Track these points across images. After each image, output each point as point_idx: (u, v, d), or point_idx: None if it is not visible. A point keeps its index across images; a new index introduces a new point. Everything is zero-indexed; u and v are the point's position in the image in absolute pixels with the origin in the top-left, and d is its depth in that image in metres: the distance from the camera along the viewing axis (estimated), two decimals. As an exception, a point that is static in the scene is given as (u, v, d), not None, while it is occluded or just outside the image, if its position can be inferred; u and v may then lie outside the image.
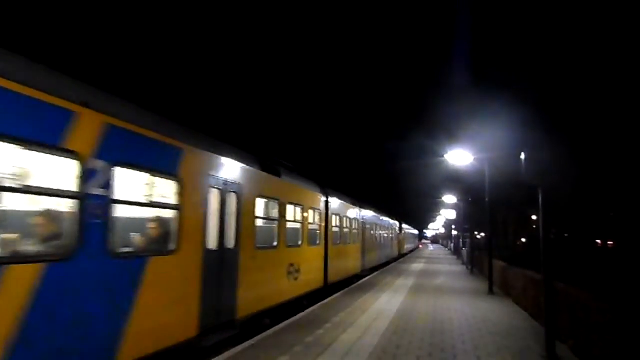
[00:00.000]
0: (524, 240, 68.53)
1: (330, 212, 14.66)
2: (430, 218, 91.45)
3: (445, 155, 19.67)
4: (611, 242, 60.66)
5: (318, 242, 13.58)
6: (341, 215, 16.46)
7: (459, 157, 18.67)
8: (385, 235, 30.56)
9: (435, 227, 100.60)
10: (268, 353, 7.14)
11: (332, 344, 7.84)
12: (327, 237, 14.35)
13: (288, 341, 7.91)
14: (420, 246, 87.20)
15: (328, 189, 14.85)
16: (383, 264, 27.66)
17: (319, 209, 13.68)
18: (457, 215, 42.01)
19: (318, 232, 13.67)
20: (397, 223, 38.92)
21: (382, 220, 29.10)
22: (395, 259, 35.01)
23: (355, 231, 19.28)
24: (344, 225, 17.03)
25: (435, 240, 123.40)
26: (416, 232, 79.89)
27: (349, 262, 17.98)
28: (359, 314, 10.85)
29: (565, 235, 58.72)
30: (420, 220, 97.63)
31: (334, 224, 15.17)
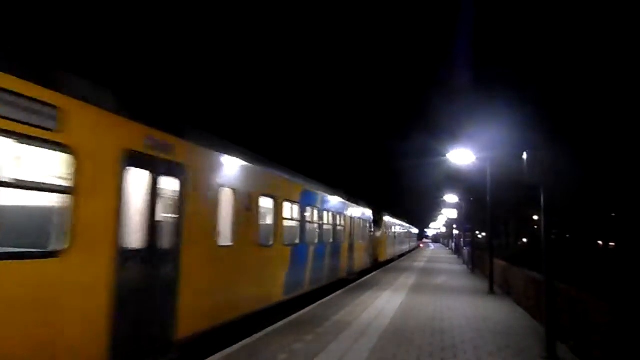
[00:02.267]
0: (525, 240, 68.53)
1: None
2: (432, 217, 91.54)
3: (447, 155, 19.71)
4: (612, 243, 60.58)
5: None
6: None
7: (461, 156, 18.68)
8: (339, 231, 17.00)
9: (437, 226, 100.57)
10: (268, 350, 7.16)
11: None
12: None
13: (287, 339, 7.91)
14: (421, 245, 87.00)
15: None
16: (319, 289, 13.81)
17: None
18: (459, 214, 42.03)
19: None
20: (371, 213, 24.77)
21: (330, 204, 15.56)
22: (367, 270, 22.28)
23: (173, 220, 6.33)
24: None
25: (436, 239, 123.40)
26: (414, 228, 69.75)
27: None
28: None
29: (567, 235, 58.68)
30: (422, 219, 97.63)
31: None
